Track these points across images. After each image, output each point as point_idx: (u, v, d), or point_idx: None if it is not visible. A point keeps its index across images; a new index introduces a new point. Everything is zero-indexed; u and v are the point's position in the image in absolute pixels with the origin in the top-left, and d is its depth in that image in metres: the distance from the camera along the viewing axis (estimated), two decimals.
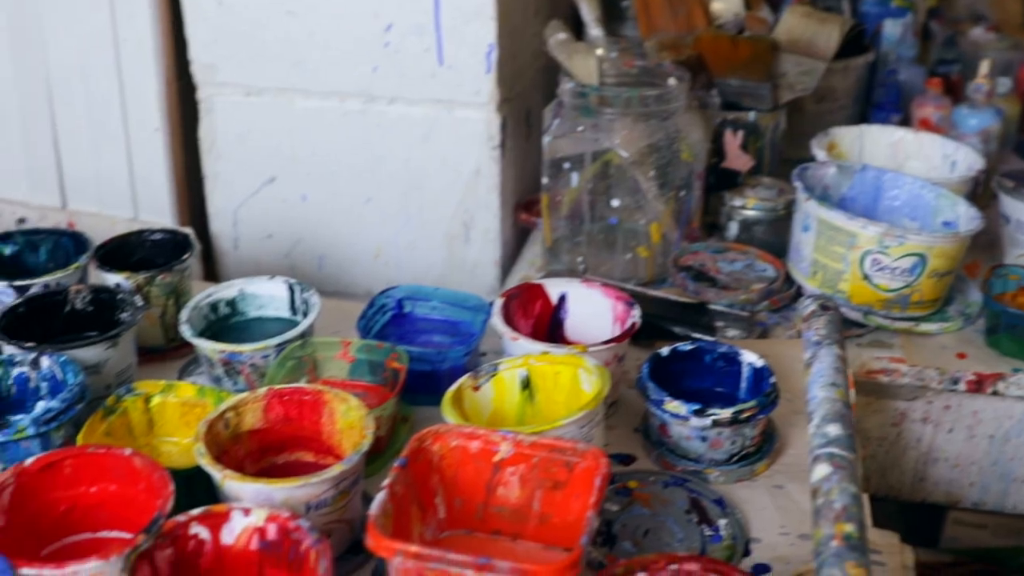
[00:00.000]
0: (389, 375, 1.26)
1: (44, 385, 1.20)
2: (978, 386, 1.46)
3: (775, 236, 1.69)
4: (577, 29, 1.86)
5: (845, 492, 0.96)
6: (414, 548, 0.89)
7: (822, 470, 1.00)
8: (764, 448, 1.24)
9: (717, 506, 1.15)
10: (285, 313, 1.39)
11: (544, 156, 1.63)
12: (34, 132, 1.86)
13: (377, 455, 1.19)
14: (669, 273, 1.62)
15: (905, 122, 2.06)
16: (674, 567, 0.92)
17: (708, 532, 1.12)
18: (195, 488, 1.05)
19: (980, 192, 1.70)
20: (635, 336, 1.30)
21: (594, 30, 1.86)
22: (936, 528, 2.04)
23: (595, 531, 0.93)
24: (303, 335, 1.29)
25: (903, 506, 1.64)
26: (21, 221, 1.90)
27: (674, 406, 1.18)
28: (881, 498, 1.54)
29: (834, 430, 1.05)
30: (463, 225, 1.74)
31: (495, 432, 1.04)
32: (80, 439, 1.11)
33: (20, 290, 1.33)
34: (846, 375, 1.14)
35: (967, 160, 1.73)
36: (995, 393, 1.47)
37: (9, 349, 1.23)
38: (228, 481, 0.99)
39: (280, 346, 1.26)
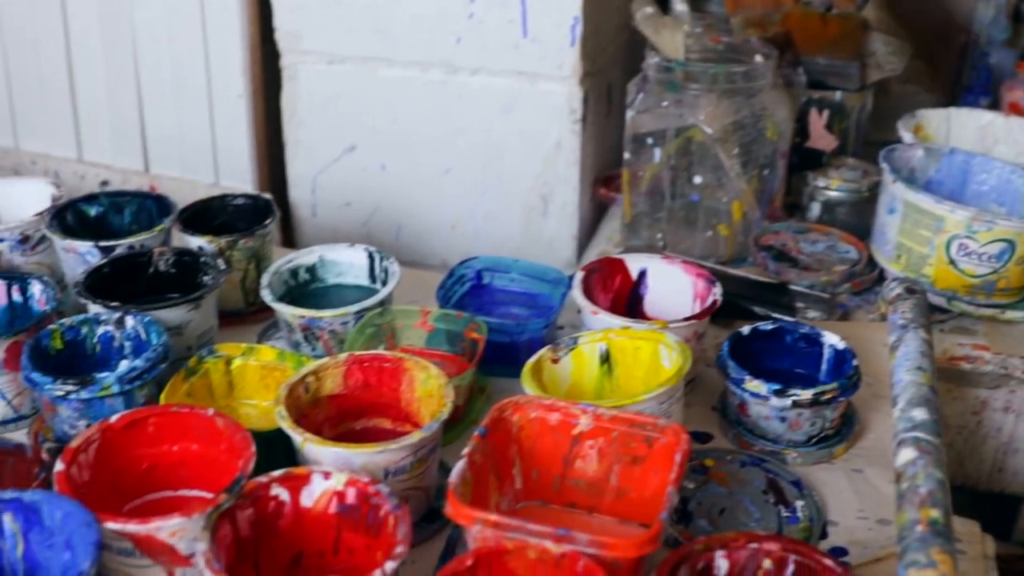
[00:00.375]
0: (467, 345, 1.26)
1: (128, 344, 1.22)
2: None
3: (857, 218, 1.67)
4: (662, 4, 1.84)
5: (931, 477, 0.95)
6: (493, 517, 0.89)
7: (908, 454, 0.98)
8: (843, 431, 1.22)
9: (794, 487, 1.14)
10: (364, 281, 1.39)
11: (626, 131, 1.61)
12: (120, 96, 1.88)
13: (453, 425, 1.19)
14: (749, 252, 1.60)
15: (994, 106, 2.02)
16: (754, 546, 0.91)
17: (785, 513, 1.11)
18: (273, 451, 1.06)
19: None
20: (713, 315, 1.29)
21: (679, 5, 1.84)
22: (1010, 520, 2.00)
23: (674, 508, 0.93)
24: (382, 303, 1.29)
25: (977, 496, 1.61)
26: (104, 184, 1.92)
27: (754, 385, 1.17)
28: (957, 487, 1.52)
29: (920, 414, 1.04)
30: (541, 198, 1.73)
31: (575, 405, 1.03)
32: (163, 399, 1.13)
33: (105, 251, 1.35)
34: (933, 360, 1.12)
35: None
36: None
37: (94, 308, 1.25)
38: (308, 444, 1.00)
39: (359, 313, 1.26)
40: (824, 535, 1.09)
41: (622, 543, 0.86)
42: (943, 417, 1.46)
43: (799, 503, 1.12)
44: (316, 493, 0.95)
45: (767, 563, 0.91)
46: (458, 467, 0.96)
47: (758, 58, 1.60)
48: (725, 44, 1.68)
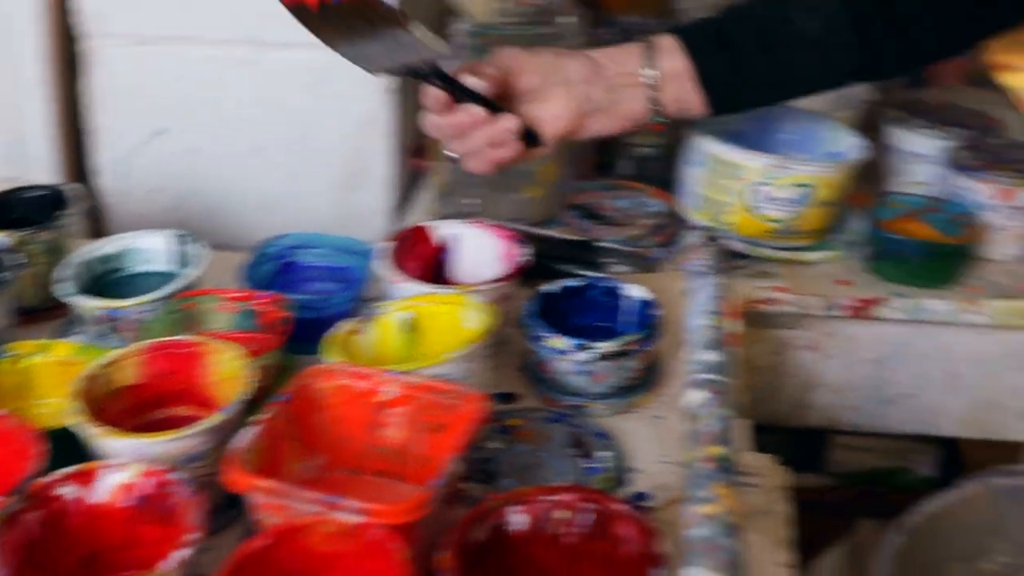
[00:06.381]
0: (274, 324, 1.25)
1: None
2: (859, 312, 1.49)
3: (668, 173, 1.70)
4: None
5: (719, 417, 0.98)
6: (266, 483, 0.90)
7: (697, 396, 1.02)
8: (647, 380, 1.25)
9: (598, 439, 1.17)
10: (171, 267, 1.37)
11: None
12: None
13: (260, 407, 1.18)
14: (560, 212, 1.62)
15: None
16: (548, 498, 0.93)
17: (587, 465, 1.13)
18: (74, 449, 1.04)
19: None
20: (527, 277, 1.30)
21: None
22: (822, 454, 2.10)
23: (457, 474, 0.94)
24: (187, 288, 1.27)
25: (790, 434, 1.67)
26: None
27: (553, 341, 1.19)
28: (767, 427, 1.57)
29: (709, 356, 1.07)
30: (355, 173, 1.72)
31: (383, 372, 1.04)
32: None
33: None
34: (728, 304, 1.16)
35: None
36: (876, 318, 1.50)
37: None
38: (99, 438, 0.98)
39: (162, 299, 1.24)
40: (626, 482, 1.12)
41: (387, 509, 0.87)
42: (748, 359, 1.51)
43: (603, 454, 1.14)
44: (108, 487, 0.94)
45: (562, 514, 0.93)
46: (248, 433, 0.95)
47: (565, 19, 1.61)
48: (534, 6, 1.68)
